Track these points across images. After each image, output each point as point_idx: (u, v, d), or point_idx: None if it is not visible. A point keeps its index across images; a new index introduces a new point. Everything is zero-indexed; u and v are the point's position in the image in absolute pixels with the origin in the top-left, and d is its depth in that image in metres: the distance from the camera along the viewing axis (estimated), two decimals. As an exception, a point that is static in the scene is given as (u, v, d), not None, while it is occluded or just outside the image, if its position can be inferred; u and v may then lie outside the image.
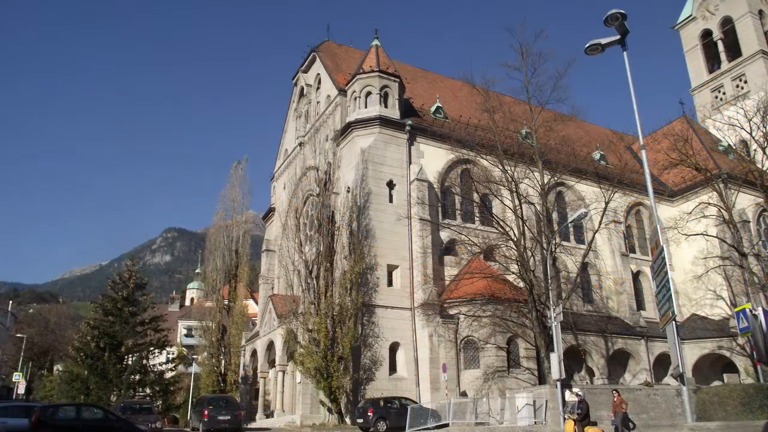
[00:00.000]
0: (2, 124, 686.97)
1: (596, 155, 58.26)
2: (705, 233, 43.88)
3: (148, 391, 52.71)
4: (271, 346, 48.31)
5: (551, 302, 30.18)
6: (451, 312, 41.48)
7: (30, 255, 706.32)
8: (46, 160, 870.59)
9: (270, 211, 62.86)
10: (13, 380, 62.85)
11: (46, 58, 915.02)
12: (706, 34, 76.11)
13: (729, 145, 57.97)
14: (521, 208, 38.40)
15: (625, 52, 19.12)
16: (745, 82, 69.62)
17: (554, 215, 50.01)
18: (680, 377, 16.89)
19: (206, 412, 33.76)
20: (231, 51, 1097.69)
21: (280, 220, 52.44)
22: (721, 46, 74.35)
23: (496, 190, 41.89)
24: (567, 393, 25.44)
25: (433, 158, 46.98)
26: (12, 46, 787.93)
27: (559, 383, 26.42)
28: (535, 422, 28.02)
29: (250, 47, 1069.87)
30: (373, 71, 46.71)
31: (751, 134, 40.77)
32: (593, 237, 42.70)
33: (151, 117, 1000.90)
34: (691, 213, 43.01)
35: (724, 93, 72.01)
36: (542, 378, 37.94)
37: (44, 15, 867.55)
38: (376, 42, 49.22)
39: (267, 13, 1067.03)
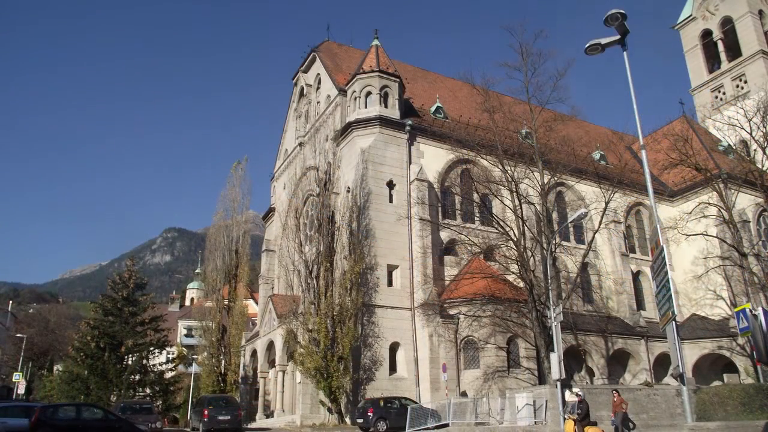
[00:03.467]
0: (1, 122, 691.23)
1: (596, 155, 58.28)
2: (705, 233, 43.83)
3: (148, 391, 52.66)
4: (271, 346, 48.30)
5: (551, 302, 30.16)
6: (451, 312, 41.48)
7: (30, 255, 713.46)
8: (46, 159, 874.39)
9: (270, 211, 62.89)
10: (13, 380, 62.97)
11: (46, 56, 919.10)
12: (706, 34, 75.89)
13: (729, 145, 57.98)
14: (521, 208, 38.45)
15: (625, 52, 19.11)
16: (745, 82, 69.49)
17: (554, 215, 50.05)
18: (680, 377, 16.87)
19: (206, 412, 33.68)
20: (231, 50, 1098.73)
21: (280, 220, 52.50)
22: (721, 46, 74.16)
23: (496, 190, 41.93)
24: (567, 393, 25.47)
25: (433, 158, 47.02)
26: (10, 42, 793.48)
27: (559, 383, 26.42)
28: (535, 422, 28.02)
29: (250, 46, 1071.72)
30: (373, 71, 46.72)
31: (751, 134, 40.81)
32: (593, 237, 42.71)
33: (151, 116, 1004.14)
34: (691, 213, 42.99)
35: (724, 93, 71.87)
36: (542, 378, 37.93)
37: (43, 10, 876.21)
38: (376, 42, 49.26)
39: (267, 13, 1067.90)
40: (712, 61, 76.00)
